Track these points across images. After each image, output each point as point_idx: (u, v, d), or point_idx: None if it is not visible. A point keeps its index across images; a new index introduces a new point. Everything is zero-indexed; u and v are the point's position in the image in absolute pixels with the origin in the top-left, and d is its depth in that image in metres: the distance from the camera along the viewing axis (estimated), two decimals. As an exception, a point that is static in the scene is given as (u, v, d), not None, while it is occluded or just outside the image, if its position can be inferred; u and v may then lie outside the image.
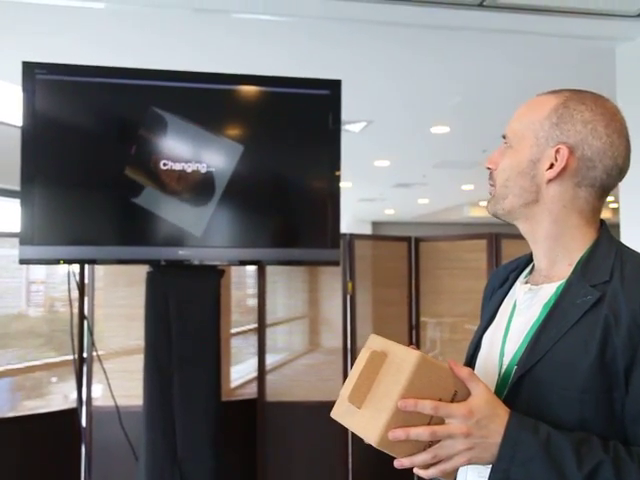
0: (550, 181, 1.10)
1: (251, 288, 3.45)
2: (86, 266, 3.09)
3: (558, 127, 1.09)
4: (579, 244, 1.11)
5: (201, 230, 2.66)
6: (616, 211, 3.76)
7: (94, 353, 3.03)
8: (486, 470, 1.01)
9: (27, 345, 3.07)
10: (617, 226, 3.28)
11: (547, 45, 3.52)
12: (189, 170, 2.64)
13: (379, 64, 3.94)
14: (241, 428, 3.29)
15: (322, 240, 2.78)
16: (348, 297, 3.40)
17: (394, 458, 1.01)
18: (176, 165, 2.63)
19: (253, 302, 3.40)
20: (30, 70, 2.55)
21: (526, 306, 1.14)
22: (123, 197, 2.62)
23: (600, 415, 1.00)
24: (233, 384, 3.37)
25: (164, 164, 2.62)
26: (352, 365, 1.06)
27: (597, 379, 0.99)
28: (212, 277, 2.75)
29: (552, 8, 3.01)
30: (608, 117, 1.09)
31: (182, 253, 2.66)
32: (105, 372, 2.90)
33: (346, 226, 10.10)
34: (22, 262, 2.59)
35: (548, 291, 1.11)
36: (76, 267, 2.95)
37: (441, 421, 0.99)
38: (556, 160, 1.09)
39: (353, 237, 3.45)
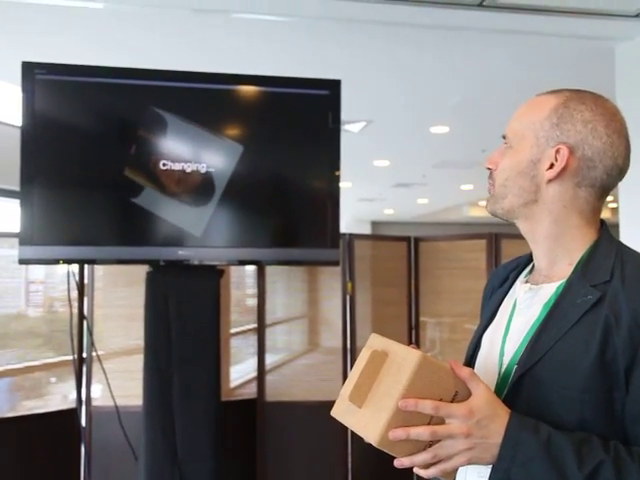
0: (550, 181, 1.10)
1: (250, 288, 3.45)
2: (85, 266, 3.09)
3: (558, 127, 1.09)
4: (579, 244, 1.11)
5: (201, 230, 2.66)
6: (615, 211, 3.77)
7: (93, 353, 3.03)
8: (486, 470, 1.01)
9: (26, 345, 3.07)
10: (616, 226, 3.28)
11: (546, 45, 3.52)
12: (189, 170, 2.64)
13: (378, 64, 3.94)
14: (240, 428, 3.29)
15: (322, 240, 2.78)
16: (347, 297, 3.40)
17: (394, 458, 1.01)
18: (176, 165, 2.63)
19: (252, 302, 3.40)
20: (29, 70, 2.55)
21: (526, 306, 1.14)
22: (123, 197, 2.62)
23: (600, 415, 1.00)
24: (232, 384, 3.37)
25: (164, 164, 2.62)
26: (352, 365, 1.06)
27: (597, 379, 0.99)
28: (212, 277, 2.75)
29: (551, 8, 3.01)
30: (608, 117, 1.09)
31: (182, 253, 2.66)
32: (105, 372, 2.90)
33: (345, 226, 10.08)
34: (21, 262, 2.59)
35: (548, 291, 1.11)
36: (75, 267, 2.95)
37: (441, 421, 0.99)
38: (556, 160, 1.09)
39: (352, 237, 3.44)
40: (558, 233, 1.12)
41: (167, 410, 2.61)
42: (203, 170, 2.65)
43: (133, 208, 2.60)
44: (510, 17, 3.05)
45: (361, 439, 1.02)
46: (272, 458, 3.29)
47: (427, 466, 1.01)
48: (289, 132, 2.80)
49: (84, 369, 3.09)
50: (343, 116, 2.83)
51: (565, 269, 1.11)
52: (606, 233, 1.13)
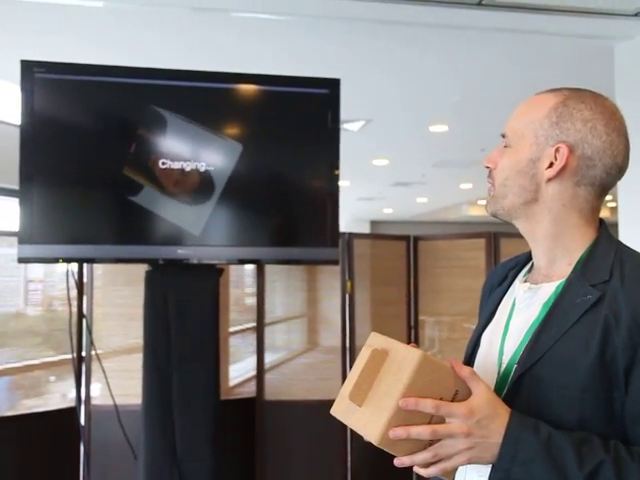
0: (550, 180, 1.10)
1: (250, 287, 3.45)
2: (85, 265, 3.09)
3: (558, 126, 1.09)
4: (578, 243, 1.11)
5: (200, 229, 2.66)
6: (614, 210, 3.77)
7: (93, 352, 3.03)
8: (486, 469, 1.01)
9: (25, 344, 3.07)
10: (615, 225, 3.28)
11: (546, 44, 3.53)
12: (188, 169, 2.64)
13: (378, 63, 3.94)
14: (240, 427, 3.29)
15: (321, 239, 2.78)
16: (347, 296, 3.40)
17: (393, 457, 1.01)
18: (175, 164, 2.63)
19: (252, 301, 3.40)
20: (29, 69, 2.55)
21: (525, 305, 1.14)
22: (122, 196, 2.62)
23: (600, 414, 0.99)
24: (232, 383, 3.37)
25: (163, 163, 2.62)
26: (351, 364, 1.06)
27: (597, 378, 0.99)
28: (211, 276, 2.75)
29: (550, 7, 3.01)
30: (607, 116, 1.09)
31: (181, 252, 2.66)
32: (104, 371, 2.90)
33: (344, 225, 10.10)
34: (21, 261, 2.59)
35: (548, 290, 1.11)
36: (75, 266, 2.95)
37: (442, 420, 0.98)
38: (556, 159, 1.09)
39: (352, 236, 3.45)
40: (557, 232, 1.12)
41: (166, 409, 2.61)
42: (202, 169, 2.65)
43: (132, 207, 2.59)
44: (509, 16, 3.05)
45: (360, 438, 1.02)
46: (271, 457, 3.29)
47: (427, 465, 1.01)
48: (288, 131, 2.80)
49: (83, 368, 3.09)
50: (342, 115, 2.83)
51: (564, 268, 1.11)
52: (605, 232, 1.13)
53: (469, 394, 1.00)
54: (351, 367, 1.06)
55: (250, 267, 3.42)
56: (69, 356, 2.97)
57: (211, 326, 2.72)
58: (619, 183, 1.15)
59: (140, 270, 2.75)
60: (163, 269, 2.70)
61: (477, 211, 11.70)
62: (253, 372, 3.34)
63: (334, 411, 1.08)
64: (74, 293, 2.94)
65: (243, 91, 2.83)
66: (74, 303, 2.96)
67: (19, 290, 3.16)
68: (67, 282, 2.75)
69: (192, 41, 3.54)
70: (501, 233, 3.39)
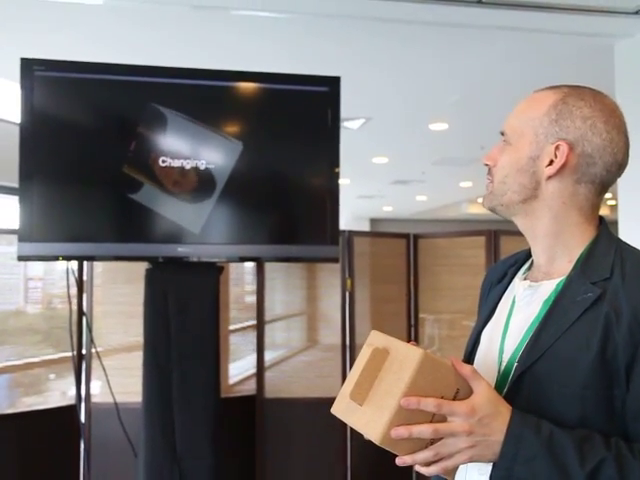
0: (550, 178, 1.10)
1: (250, 285, 3.45)
2: (85, 263, 3.09)
3: (557, 123, 1.09)
4: (578, 241, 1.11)
5: (200, 227, 2.66)
6: (614, 208, 3.77)
7: (93, 350, 3.03)
8: (487, 467, 1.01)
9: (25, 342, 3.07)
10: (615, 223, 3.28)
11: (546, 42, 3.52)
12: (188, 167, 2.63)
13: (378, 61, 3.94)
14: (240, 424, 3.29)
15: (321, 237, 2.78)
16: (347, 294, 3.40)
17: (393, 455, 1.01)
18: (175, 162, 2.62)
19: (252, 299, 3.40)
20: (28, 67, 2.54)
21: (525, 303, 1.14)
22: (122, 194, 2.62)
23: (601, 412, 1.00)
24: (232, 380, 3.38)
25: (163, 161, 2.62)
26: (351, 362, 1.06)
27: (598, 376, 0.99)
28: (211, 274, 2.75)
29: (550, 5, 3.01)
30: (607, 113, 1.09)
31: (181, 250, 2.65)
32: (104, 369, 2.90)
33: (344, 223, 10.09)
34: (20, 259, 2.59)
35: (548, 288, 1.11)
36: (74, 264, 2.95)
37: (443, 419, 0.98)
38: (556, 157, 1.08)
39: (352, 234, 3.45)
40: (558, 230, 1.12)
41: (166, 407, 2.61)
42: (202, 167, 2.64)
43: (132, 205, 2.59)
44: (509, 14, 3.05)
45: (360, 435, 1.01)
46: (271, 454, 3.29)
47: (428, 464, 1.01)
48: (288, 129, 2.80)
49: (83, 366, 3.09)
50: (342, 113, 2.83)
51: (564, 266, 1.11)
52: (605, 230, 1.13)
53: (470, 392, 1.00)
54: (351, 365, 1.06)
55: (250, 265, 3.42)
56: (69, 354, 2.97)
57: (211, 324, 2.72)
58: (619, 181, 1.15)
59: (140, 268, 2.75)
60: (163, 267, 2.70)
61: (477, 209, 11.70)
62: (253, 370, 3.34)
63: (335, 410, 1.07)
64: (74, 291, 2.94)
65: (243, 89, 2.83)
66: (74, 301, 2.95)
67: (19, 288, 3.16)
68: (67, 280, 2.75)
69: (192, 39, 3.54)
70: (501, 231, 3.38)
